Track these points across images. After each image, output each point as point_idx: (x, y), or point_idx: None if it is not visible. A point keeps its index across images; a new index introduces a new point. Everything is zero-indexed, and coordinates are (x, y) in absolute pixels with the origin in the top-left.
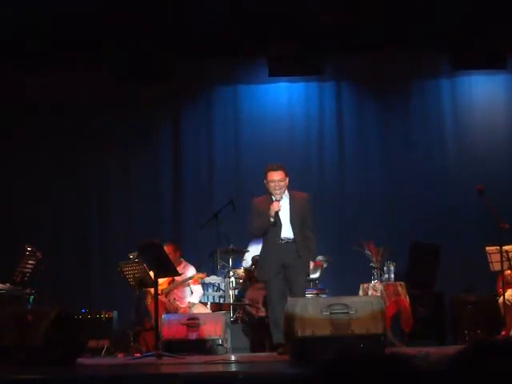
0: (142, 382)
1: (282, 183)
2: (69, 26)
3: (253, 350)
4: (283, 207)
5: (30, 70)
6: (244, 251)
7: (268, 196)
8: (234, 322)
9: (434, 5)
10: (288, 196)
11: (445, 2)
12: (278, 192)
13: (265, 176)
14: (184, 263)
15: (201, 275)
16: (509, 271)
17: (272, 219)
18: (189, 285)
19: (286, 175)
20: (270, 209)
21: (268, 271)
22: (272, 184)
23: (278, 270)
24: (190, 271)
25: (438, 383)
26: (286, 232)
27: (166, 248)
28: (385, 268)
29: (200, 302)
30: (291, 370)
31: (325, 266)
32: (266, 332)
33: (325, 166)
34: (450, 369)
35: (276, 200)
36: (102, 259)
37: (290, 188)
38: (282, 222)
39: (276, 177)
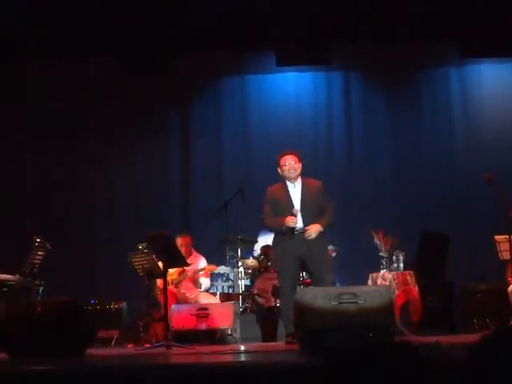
0: (151, 372)
1: (296, 165)
2: (72, 18)
3: (263, 339)
4: (295, 195)
5: (34, 64)
6: (253, 241)
7: (283, 183)
8: (244, 311)
9: None
10: (301, 184)
11: None
12: (292, 174)
13: (277, 163)
14: (195, 253)
15: (212, 267)
16: None
17: (284, 229)
18: (197, 279)
19: (299, 160)
20: (285, 220)
21: (281, 261)
22: (286, 167)
23: (292, 260)
24: (201, 262)
25: (453, 371)
26: (298, 222)
27: (181, 239)
28: (394, 257)
29: (209, 291)
30: (300, 359)
31: (334, 255)
32: (276, 322)
33: (333, 156)
34: (473, 355)
35: (293, 214)
36: (111, 250)
37: (303, 176)
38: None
39: (288, 159)
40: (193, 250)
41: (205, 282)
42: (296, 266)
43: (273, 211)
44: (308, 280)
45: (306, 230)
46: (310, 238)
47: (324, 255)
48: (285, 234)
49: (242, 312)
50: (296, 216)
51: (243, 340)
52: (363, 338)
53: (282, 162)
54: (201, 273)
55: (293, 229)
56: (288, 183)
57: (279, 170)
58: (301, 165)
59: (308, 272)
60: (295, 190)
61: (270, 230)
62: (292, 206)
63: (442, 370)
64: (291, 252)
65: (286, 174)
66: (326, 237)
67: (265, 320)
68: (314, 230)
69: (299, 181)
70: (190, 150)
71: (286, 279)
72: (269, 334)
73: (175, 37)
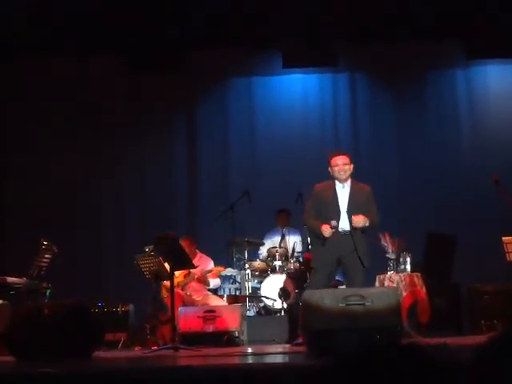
0: (158, 374)
1: (347, 167)
2: (72, 18)
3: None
4: (343, 196)
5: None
6: (260, 243)
7: (332, 182)
8: (259, 313)
9: None
10: (350, 185)
11: None
12: (342, 175)
13: (328, 163)
14: (199, 255)
15: (220, 269)
16: None
17: (323, 236)
18: (206, 279)
19: (351, 162)
20: (323, 228)
21: (319, 261)
22: (336, 168)
23: (331, 262)
24: (207, 263)
25: (461, 372)
26: (343, 223)
27: (181, 242)
28: (401, 259)
29: (217, 293)
30: (307, 360)
31: None
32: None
33: None
34: (480, 356)
35: (333, 226)
36: (117, 252)
37: (353, 178)
38: (340, 212)
39: (340, 160)
40: (197, 251)
41: (214, 281)
42: (333, 267)
43: (315, 209)
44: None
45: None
46: (358, 224)
47: (368, 257)
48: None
49: (258, 313)
50: (333, 229)
51: (250, 342)
52: (370, 340)
53: (332, 162)
54: (208, 274)
55: (326, 238)
56: (337, 183)
57: (330, 169)
58: (352, 166)
59: (344, 272)
60: (343, 191)
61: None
62: (338, 206)
63: (449, 372)
64: (331, 252)
65: (337, 174)
66: (367, 240)
67: (292, 321)
68: (362, 217)
69: (349, 182)
70: (196, 152)
71: (320, 279)
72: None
73: (180, 37)
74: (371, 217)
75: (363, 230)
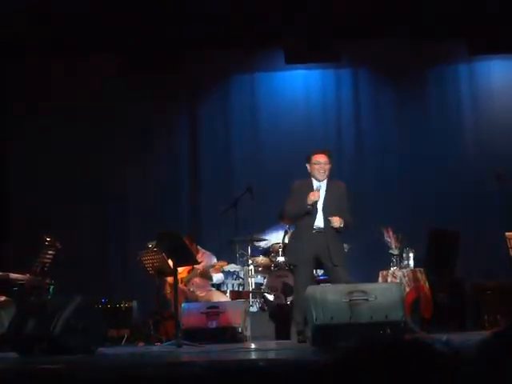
0: (162, 370)
1: (327, 166)
2: (79, 16)
3: (276, 337)
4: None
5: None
6: (262, 239)
7: (309, 179)
8: (262, 309)
9: None
10: (326, 183)
11: None
12: (322, 174)
13: (308, 159)
14: (201, 252)
15: (222, 263)
16: None
17: (309, 207)
18: (209, 274)
19: (330, 161)
20: (308, 195)
21: (298, 257)
22: (317, 166)
23: (309, 258)
24: (210, 259)
25: (463, 369)
26: (318, 220)
27: None
28: (404, 255)
29: (220, 288)
30: (312, 356)
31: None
32: (289, 319)
33: (342, 153)
34: (482, 352)
35: (316, 189)
36: (121, 249)
37: (329, 176)
38: (316, 210)
39: (321, 158)
40: (199, 248)
41: (216, 276)
42: (312, 263)
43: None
44: (320, 278)
45: (330, 220)
46: (335, 224)
47: (342, 255)
48: (304, 231)
49: (251, 310)
50: (319, 191)
51: (254, 338)
52: (373, 335)
53: (313, 159)
54: (211, 269)
55: (316, 202)
56: (314, 181)
57: (308, 166)
58: (330, 166)
59: (325, 271)
60: (320, 189)
61: (290, 219)
62: (315, 207)
63: (451, 367)
64: (309, 250)
65: (316, 172)
66: (342, 238)
67: (278, 317)
68: (337, 219)
69: (325, 181)
70: (199, 149)
71: (301, 276)
72: (283, 332)
73: (180, 37)
74: (344, 216)
75: (337, 230)
